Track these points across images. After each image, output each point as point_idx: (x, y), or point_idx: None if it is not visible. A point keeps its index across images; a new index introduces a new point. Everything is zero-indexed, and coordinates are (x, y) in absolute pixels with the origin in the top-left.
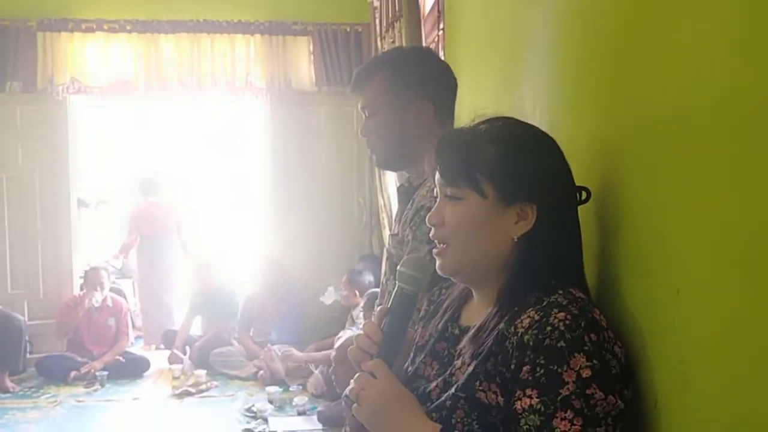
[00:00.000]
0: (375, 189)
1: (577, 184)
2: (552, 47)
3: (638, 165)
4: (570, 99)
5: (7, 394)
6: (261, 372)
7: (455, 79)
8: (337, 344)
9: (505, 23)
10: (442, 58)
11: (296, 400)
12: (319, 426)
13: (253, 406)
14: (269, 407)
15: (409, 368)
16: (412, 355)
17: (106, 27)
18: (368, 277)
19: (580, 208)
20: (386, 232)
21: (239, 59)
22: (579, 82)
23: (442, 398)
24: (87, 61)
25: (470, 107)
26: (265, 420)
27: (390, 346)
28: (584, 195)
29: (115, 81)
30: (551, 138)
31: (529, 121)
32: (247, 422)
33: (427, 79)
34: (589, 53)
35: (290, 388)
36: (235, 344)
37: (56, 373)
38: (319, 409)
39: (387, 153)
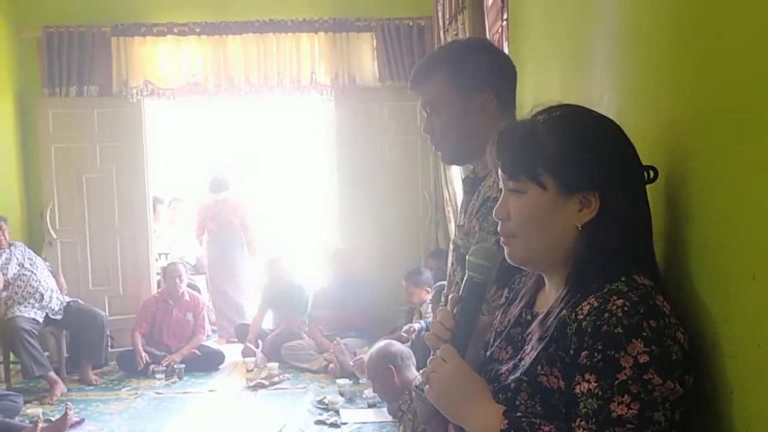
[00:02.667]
0: (440, 182)
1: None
2: (620, 32)
3: (711, 147)
4: (639, 83)
5: (91, 387)
6: (331, 365)
7: (514, 67)
8: (366, 355)
9: (571, 9)
10: (506, 48)
11: (366, 392)
12: (389, 418)
13: (324, 398)
14: (340, 399)
15: (487, 352)
16: (491, 340)
17: (176, 30)
18: (427, 273)
19: (649, 191)
20: (452, 226)
21: (304, 57)
22: (648, 66)
23: (508, 381)
24: (159, 64)
25: (534, 96)
26: (337, 412)
27: (461, 332)
28: (651, 174)
29: (185, 83)
30: (612, 122)
31: (597, 108)
32: (319, 414)
33: (487, 70)
34: (658, 36)
35: (360, 381)
36: (306, 338)
37: (137, 364)
38: None
39: (453, 148)
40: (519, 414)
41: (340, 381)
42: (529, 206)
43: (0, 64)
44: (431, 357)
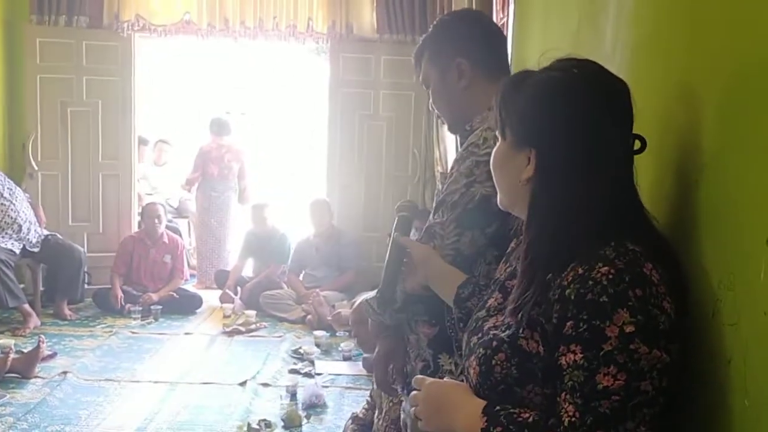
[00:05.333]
0: (431, 141)
1: (656, 127)
2: None
3: (726, 108)
4: (652, 40)
5: (65, 322)
6: (309, 316)
7: (495, 28)
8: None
9: None
10: (512, 2)
11: (342, 345)
12: (364, 372)
13: (300, 348)
14: (316, 350)
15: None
16: (491, 289)
17: None
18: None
19: (658, 153)
20: (440, 186)
21: (302, 3)
22: (661, 22)
23: (489, 336)
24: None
25: (540, 50)
26: (312, 362)
27: (388, 278)
28: (639, 145)
29: (178, 20)
30: (601, 86)
31: (608, 63)
32: (294, 363)
33: (461, 37)
34: None
35: (337, 334)
36: (285, 287)
37: (112, 304)
38: (365, 355)
39: (448, 117)
40: (498, 408)
41: (317, 333)
42: (496, 154)
43: None
44: (412, 394)
